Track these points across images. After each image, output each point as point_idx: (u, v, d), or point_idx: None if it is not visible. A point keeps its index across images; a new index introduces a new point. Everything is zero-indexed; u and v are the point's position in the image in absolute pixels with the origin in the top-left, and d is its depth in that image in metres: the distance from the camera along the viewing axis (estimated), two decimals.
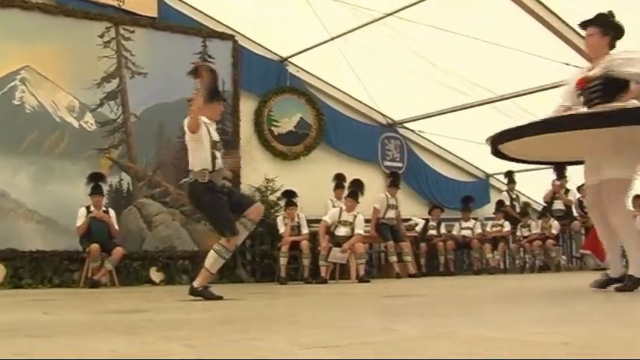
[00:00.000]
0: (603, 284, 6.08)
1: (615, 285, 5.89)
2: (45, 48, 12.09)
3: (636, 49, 5.75)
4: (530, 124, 5.66)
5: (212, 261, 6.53)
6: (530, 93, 13.55)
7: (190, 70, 6.84)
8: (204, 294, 6.33)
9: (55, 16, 12.22)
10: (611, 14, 5.94)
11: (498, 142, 6.05)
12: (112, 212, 11.64)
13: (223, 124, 13.31)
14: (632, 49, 5.52)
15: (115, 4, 12.88)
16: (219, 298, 6.29)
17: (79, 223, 11.20)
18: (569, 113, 5.72)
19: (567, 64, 12.03)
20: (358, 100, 15.81)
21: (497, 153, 6.38)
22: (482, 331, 3.02)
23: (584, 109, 5.76)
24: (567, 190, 14.85)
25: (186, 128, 6.52)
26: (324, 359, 2.30)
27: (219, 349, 2.60)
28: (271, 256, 13.18)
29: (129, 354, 2.53)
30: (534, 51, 11.55)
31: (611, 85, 5.60)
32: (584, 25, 6.04)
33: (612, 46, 5.86)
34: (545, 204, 15.25)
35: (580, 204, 14.93)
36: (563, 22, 11.51)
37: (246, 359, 2.33)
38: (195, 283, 6.47)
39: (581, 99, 5.87)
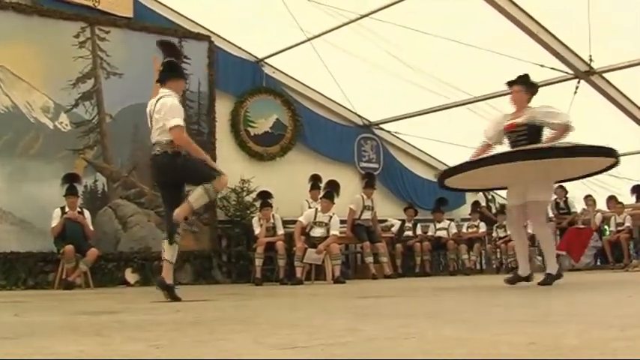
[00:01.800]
0: (513, 281, 7.64)
1: (538, 281, 7.43)
2: (19, 48, 12.02)
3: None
4: (475, 161, 7.31)
5: (171, 251, 6.59)
6: (504, 94, 13.56)
7: (159, 42, 6.94)
8: (173, 292, 6.34)
9: (29, 16, 12.16)
10: (528, 76, 7.77)
11: (446, 177, 7.72)
12: (86, 213, 11.60)
13: (199, 125, 13.32)
14: (547, 105, 7.38)
15: (91, 4, 12.83)
16: (178, 299, 6.28)
17: (53, 224, 11.15)
18: (513, 150, 7.24)
19: (542, 66, 12.12)
20: (334, 101, 15.85)
21: (443, 186, 8.08)
22: (448, 331, 3.03)
23: (507, 148, 7.43)
24: None
25: (169, 127, 6.46)
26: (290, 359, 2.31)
27: (187, 350, 2.60)
28: (247, 257, 13.19)
29: (95, 355, 2.52)
30: (509, 53, 11.60)
31: (534, 131, 7.28)
32: (511, 83, 7.75)
33: (530, 100, 7.59)
34: None
35: (557, 205, 15.02)
36: (538, 23, 11.61)
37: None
38: (166, 278, 6.46)
39: (506, 140, 7.52)
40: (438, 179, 8.15)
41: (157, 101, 6.63)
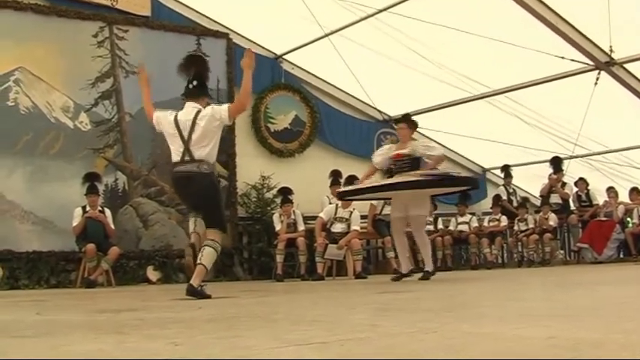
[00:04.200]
0: (398, 278, 9.14)
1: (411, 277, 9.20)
2: (39, 49, 12.07)
3: None
4: (369, 187, 9.41)
5: (210, 258, 6.44)
6: (524, 87, 13.57)
7: (184, 62, 6.89)
8: (202, 293, 6.27)
9: (48, 17, 12.20)
10: (409, 115, 9.85)
11: (348, 195, 10.22)
12: (107, 212, 11.62)
13: None
14: (426, 140, 10.15)
15: (109, 3, 12.87)
16: (209, 296, 6.24)
17: (75, 223, 11.18)
18: (396, 181, 8.91)
19: (562, 58, 12.04)
20: (353, 97, 15.82)
21: (341, 199, 11.05)
22: (466, 326, 3.02)
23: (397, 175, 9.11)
24: (564, 184, 14.81)
25: (226, 114, 6.56)
26: (308, 357, 2.30)
27: (205, 347, 2.59)
28: (268, 254, 13.19)
29: (113, 353, 2.53)
30: (528, 45, 11.55)
31: (414, 161, 9.06)
32: (398, 121, 9.78)
33: (412, 134, 9.50)
34: (540, 197, 15.21)
35: (578, 198, 14.92)
36: (557, 14, 11.52)
37: (229, 358, 2.32)
38: (195, 282, 6.37)
39: (393, 166, 9.40)
40: (338, 193, 10.62)
41: (196, 115, 6.59)
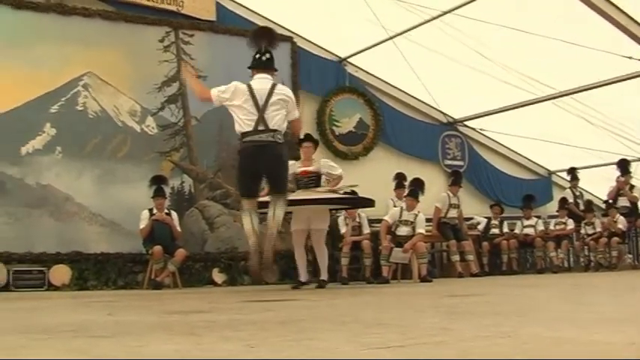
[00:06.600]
0: (297, 286, 9.57)
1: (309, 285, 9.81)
2: (106, 54, 12.27)
3: None
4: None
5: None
6: (591, 88, 13.38)
7: (254, 35, 7.16)
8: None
9: (115, 23, 12.42)
10: (311, 135, 10.58)
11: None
12: (174, 214, 11.74)
13: None
14: (328, 160, 10.38)
15: (174, 8, 13.02)
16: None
17: (142, 226, 11.31)
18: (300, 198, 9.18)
19: (630, 58, 11.84)
20: (418, 99, 15.78)
21: None
22: (542, 330, 2.97)
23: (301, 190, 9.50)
24: (632, 187, 14.58)
25: (294, 117, 7.38)
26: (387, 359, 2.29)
27: (281, 350, 2.59)
28: (332, 257, 13.16)
29: (190, 354, 2.54)
30: (595, 45, 11.38)
31: (318, 178, 9.67)
32: (302, 140, 10.13)
33: (314, 152, 10.15)
34: (609, 201, 14.93)
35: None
36: (624, 13, 11.36)
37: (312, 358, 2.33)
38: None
39: (298, 182, 9.65)
40: None
41: (272, 86, 6.78)
